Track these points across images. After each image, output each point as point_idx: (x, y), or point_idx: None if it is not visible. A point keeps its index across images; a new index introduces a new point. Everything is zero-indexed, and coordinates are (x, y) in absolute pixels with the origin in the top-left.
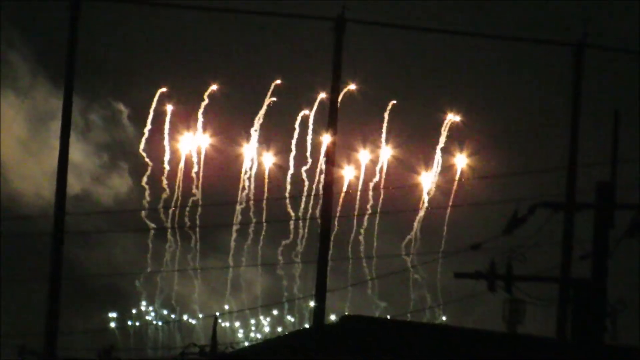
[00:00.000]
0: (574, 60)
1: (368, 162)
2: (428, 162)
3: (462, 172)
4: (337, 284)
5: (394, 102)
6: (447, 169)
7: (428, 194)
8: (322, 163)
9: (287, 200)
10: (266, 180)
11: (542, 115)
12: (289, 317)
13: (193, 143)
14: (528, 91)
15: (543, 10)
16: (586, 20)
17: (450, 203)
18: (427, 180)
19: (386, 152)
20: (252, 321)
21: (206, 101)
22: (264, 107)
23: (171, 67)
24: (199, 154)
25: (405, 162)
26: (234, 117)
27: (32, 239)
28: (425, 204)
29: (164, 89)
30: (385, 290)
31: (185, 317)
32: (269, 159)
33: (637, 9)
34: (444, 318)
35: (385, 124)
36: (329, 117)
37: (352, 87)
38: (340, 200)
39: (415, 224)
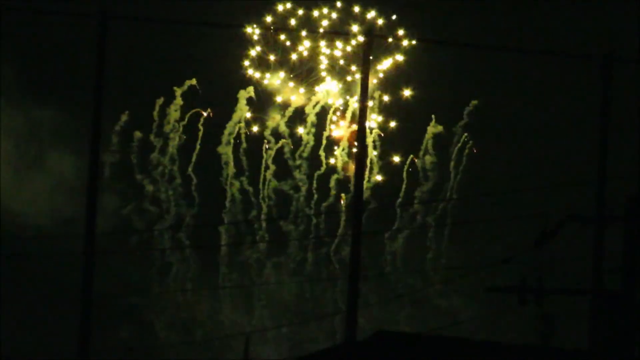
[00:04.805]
0: (602, 73)
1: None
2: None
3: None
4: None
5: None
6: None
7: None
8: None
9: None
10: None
11: (569, 127)
12: (313, 332)
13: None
14: (554, 102)
15: (566, 23)
16: (612, 33)
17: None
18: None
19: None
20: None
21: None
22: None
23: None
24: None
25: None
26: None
27: (44, 259)
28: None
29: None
30: (406, 301)
31: (210, 335)
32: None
33: None
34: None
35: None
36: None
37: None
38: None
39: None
